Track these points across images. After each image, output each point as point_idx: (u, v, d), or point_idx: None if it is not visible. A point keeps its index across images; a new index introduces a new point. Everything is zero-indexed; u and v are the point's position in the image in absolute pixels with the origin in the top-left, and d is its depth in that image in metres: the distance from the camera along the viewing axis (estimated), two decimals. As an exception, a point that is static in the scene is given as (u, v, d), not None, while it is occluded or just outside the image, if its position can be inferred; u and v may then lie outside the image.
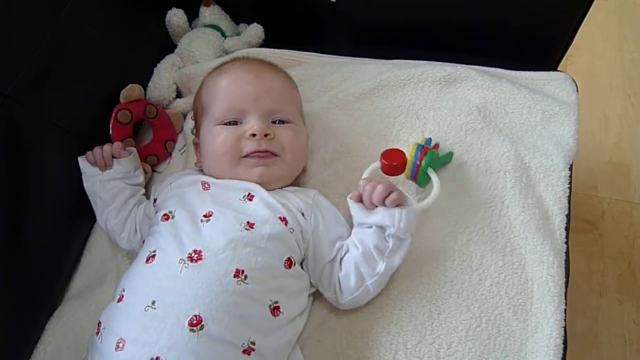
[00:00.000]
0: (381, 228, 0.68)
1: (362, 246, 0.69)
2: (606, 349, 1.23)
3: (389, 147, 0.86)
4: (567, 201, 0.81)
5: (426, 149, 0.76)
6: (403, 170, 0.76)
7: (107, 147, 0.83)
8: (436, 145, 0.82)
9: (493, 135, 0.85)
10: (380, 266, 0.68)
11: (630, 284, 1.30)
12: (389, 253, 0.68)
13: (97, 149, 0.83)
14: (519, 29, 0.95)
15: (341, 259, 0.71)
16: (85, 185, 0.83)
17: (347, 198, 0.73)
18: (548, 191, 0.80)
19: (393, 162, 0.75)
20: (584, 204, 1.47)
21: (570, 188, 0.82)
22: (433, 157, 0.76)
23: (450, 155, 0.83)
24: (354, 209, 0.72)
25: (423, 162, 0.74)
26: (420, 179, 0.76)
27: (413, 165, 0.75)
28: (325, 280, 0.71)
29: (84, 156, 0.83)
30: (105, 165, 0.82)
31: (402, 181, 0.80)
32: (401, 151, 0.77)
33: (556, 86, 0.92)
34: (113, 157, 0.83)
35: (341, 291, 0.70)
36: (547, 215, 0.79)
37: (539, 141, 0.85)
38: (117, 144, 0.84)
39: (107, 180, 0.82)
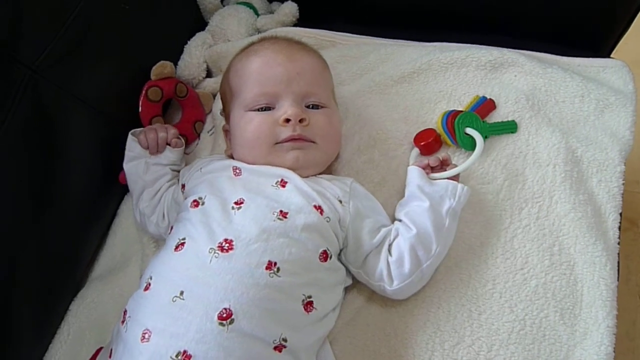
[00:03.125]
0: (435, 206, 0.68)
1: (416, 226, 0.67)
2: (644, 354, 1.17)
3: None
4: (620, 198, 0.76)
5: (457, 112, 0.79)
6: (440, 143, 0.80)
7: (162, 134, 0.81)
8: (490, 102, 0.82)
9: (542, 125, 0.80)
10: (435, 247, 0.66)
11: (672, 287, 1.25)
12: (446, 231, 0.67)
13: (151, 133, 0.81)
14: (572, 10, 0.89)
15: (390, 245, 0.68)
16: (128, 165, 0.81)
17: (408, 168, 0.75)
18: (601, 187, 0.76)
19: (428, 139, 0.79)
20: (624, 201, 1.40)
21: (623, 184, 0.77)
22: (467, 117, 0.78)
23: (512, 123, 0.80)
24: (415, 172, 0.72)
25: (455, 123, 0.77)
26: (460, 141, 0.78)
27: (446, 132, 0.79)
28: (371, 268, 0.68)
29: (133, 136, 0.81)
30: (157, 151, 0.81)
31: (452, 151, 0.80)
32: (430, 129, 0.81)
33: (611, 74, 0.86)
34: (167, 143, 0.82)
35: (391, 278, 0.67)
36: (600, 212, 0.74)
37: (592, 133, 0.80)
38: (173, 131, 0.82)
39: (152, 163, 0.81)
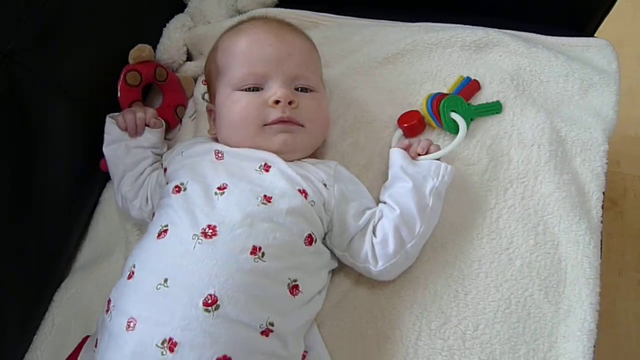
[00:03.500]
0: (418, 186, 0.68)
1: (399, 207, 0.67)
2: (623, 330, 1.20)
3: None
4: (604, 178, 0.76)
5: (442, 95, 0.79)
6: (424, 125, 0.79)
7: (140, 114, 0.79)
8: (474, 83, 0.81)
9: (527, 105, 0.80)
10: (419, 227, 0.66)
11: (652, 263, 1.27)
12: (430, 211, 0.67)
13: (129, 114, 0.79)
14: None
15: (374, 226, 0.68)
16: (107, 148, 0.79)
17: (390, 150, 0.74)
18: (585, 166, 0.76)
19: (412, 121, 0.78)
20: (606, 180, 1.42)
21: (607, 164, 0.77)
22: (452, 100, 0.77)
23: (496, 104, 0.80)
24: (398, 153, 0.72)
25: (440, 107, 0.77)
26: (446, 125, 0.77)
27: (431, 115, 0.78)
28: (356, 250, 0.68)
29: (112, 118, 0.79)
30: (136, 133, 0.79)
31: (437, 133, 0.80)
32: (415, 110, 0.80)
33: (595, 53, 0.87)
34: (146, 125, 0.79)
35: (376, 259, 0.67)
36: (584, 192, 0.75)
37: (576, 112, 0.80)
38: (151, 111, 0.80)
39: (132, 146, 0.79)
